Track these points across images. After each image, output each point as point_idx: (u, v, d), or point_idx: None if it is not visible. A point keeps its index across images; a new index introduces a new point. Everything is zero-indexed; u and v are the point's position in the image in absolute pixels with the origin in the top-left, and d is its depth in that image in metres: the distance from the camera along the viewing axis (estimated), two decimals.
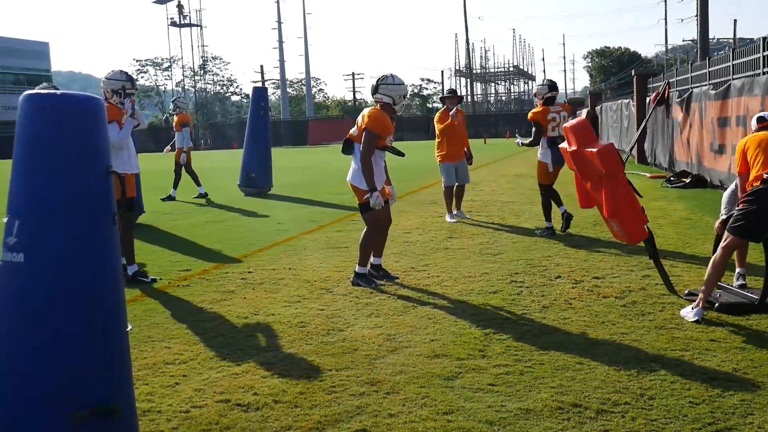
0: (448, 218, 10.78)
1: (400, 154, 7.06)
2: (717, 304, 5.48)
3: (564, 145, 6.29)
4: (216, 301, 6.28)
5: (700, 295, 5.34)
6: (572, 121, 6.21)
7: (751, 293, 5.65)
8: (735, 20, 66.47)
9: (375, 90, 6.73)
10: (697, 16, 32.04)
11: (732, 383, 4.08)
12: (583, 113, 33.07)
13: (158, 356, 4.83)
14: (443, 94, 11.32)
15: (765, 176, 5.16)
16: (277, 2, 78.80)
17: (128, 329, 4.86)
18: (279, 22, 78.58)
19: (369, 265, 6.84)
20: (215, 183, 19.45)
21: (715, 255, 5.45)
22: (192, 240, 9.68)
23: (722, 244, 5.40)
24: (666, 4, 70.95)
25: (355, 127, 6.72)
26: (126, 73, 7.19)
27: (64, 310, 3.07)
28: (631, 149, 21.30)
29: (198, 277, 7.31)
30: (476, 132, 55.59)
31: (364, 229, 6.77)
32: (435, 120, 11.05)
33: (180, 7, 78.89)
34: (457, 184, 10.87)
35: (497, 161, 25.07)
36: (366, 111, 6.68)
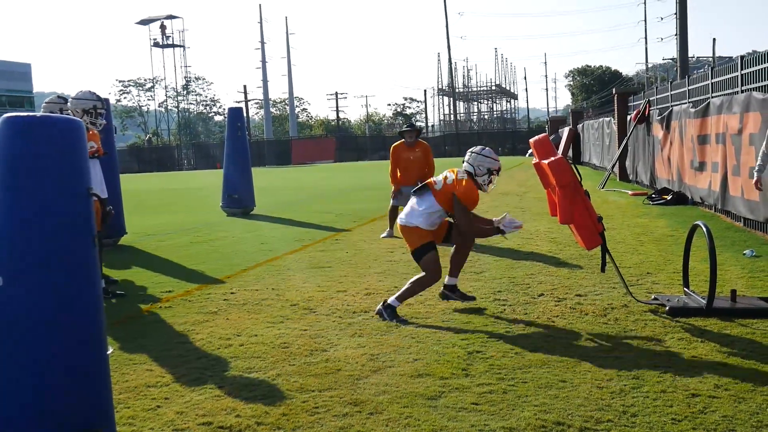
0: (383, 234, 11.19)
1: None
2: (668, 308, 5.91)
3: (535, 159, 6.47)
4: (198, 322, 6.25)
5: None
6: (535, 137, 6.46)
7: (701, 298, 6.00)
8: (714, 39, 67.49)
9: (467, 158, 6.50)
10: (676, 35, 32.46)
11: (714, 399, 4.10)
12: (565, 131, 33.31)
13: (140, 379, 4.79)
14: (404, 125, 11.36)
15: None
16: (261, 23, 79.25)
17: (109, 352, 4.83)
18: (262, 42, 78.95)
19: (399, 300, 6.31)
20: (199, 203, 19.41)
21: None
22: (175, 261, 9.63)
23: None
24: (646, 23, 71.91)
25: (441, 178, 6.41)
26: (95, 93, 7.47)
27: (43, 333, 3.05)
28: (613, 167, 21.47)
29: (180, 298, 7.27)
30: (460, 151, 55.68)
31: (422, 273, 6.26)
32: (390, 152, 11.10)
33: (163, 27, 79.06)
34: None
35: None
36: (462, 179, 6.33)
